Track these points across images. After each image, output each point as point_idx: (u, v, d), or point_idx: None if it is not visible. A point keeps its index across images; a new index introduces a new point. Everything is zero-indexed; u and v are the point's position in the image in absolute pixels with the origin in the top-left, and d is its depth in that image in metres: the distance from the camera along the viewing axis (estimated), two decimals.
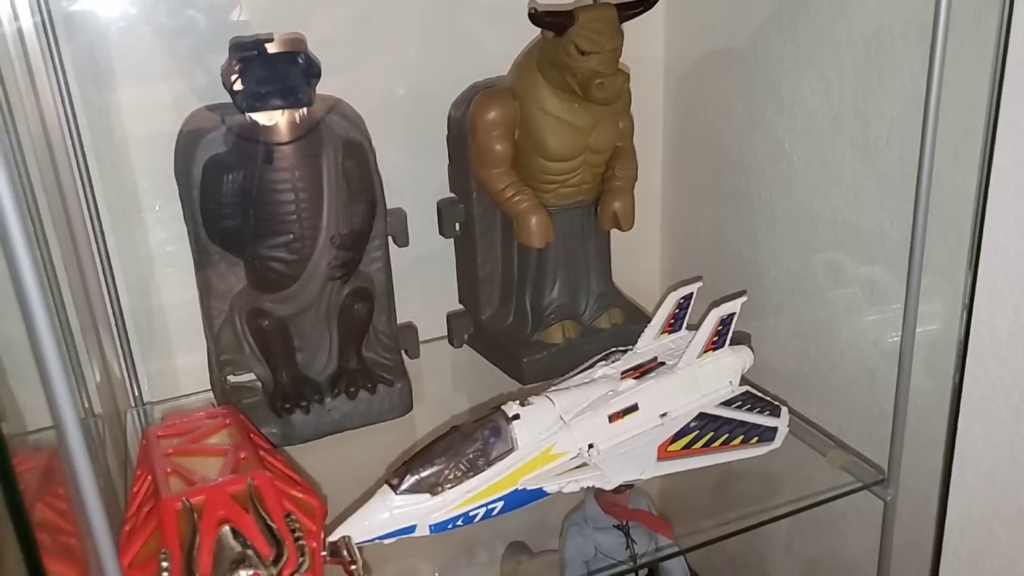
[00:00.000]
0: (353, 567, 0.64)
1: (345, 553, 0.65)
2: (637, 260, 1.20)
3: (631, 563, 1.05)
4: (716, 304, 0.84)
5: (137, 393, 1.02)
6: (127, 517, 0.67)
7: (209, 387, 0.99)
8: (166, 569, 0.57)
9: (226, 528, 0.60)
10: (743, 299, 0.85)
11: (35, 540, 0.43)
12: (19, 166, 0.86)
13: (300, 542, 0.61)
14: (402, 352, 1.01)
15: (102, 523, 0.50)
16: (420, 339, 1.05)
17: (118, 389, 0.99)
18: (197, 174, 0.85)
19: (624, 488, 0.97)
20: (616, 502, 1.01)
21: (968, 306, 0.80)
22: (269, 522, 0.61)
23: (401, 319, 1.01)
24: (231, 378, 0.93)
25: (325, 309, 0.91)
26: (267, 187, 0.82)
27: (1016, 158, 0.76)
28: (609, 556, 1.07)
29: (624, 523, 1.02)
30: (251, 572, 0.57)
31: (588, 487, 0.93)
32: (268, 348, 0.90)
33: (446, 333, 1.11)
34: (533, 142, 0.92)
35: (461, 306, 1.11)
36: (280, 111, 0.79)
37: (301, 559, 0.60)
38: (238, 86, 0.78)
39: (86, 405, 0.98)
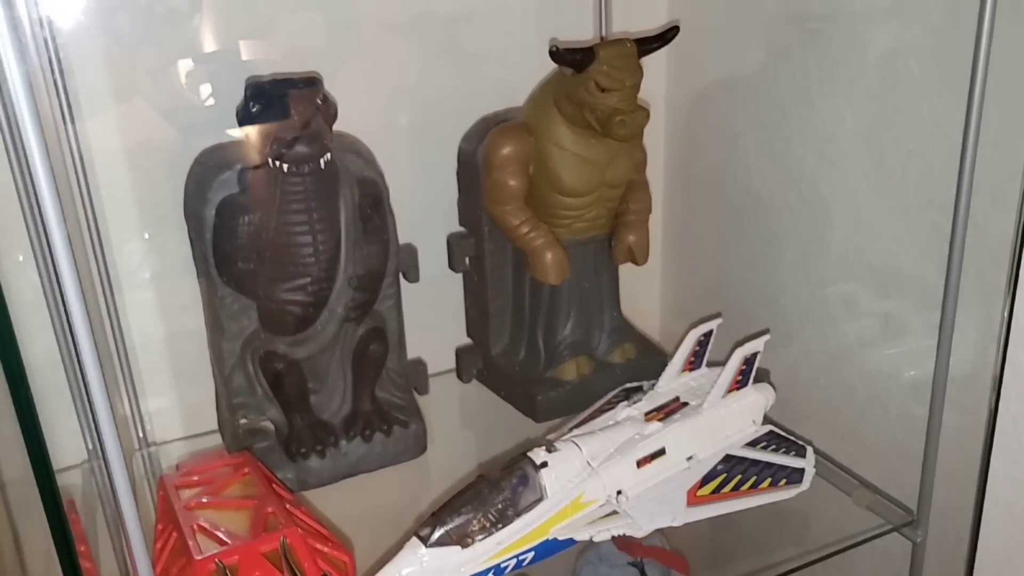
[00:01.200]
0: None
1: None
2: (637, 292, 1.19)
3: None
4: (740, 343, 0.83)
5: (142, 434, 0.99)
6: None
7: (216, 427, 0.97)
8: None
9: None
10: (766, 337, 0.85)
11: None
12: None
13: None
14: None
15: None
16: (429, 373, 1.04)
17: (122, 429, 0.97)
18: (210, 215, 0.83)
19: None
20: (630, 538, 1.00)
21: (1004, 340, 0.79)
22: None
23: (409, 353, 1.00)
24: (243, 422, 0.90)
25: (339, 350, 0.89)
26: (285, 229, 0.81)
27: None
28: None
29: (639, 560, 1.01)
30: None
31: None
32: (282, 391, 0.88)
33: (454, 367, 1.09)
34: (548, 177, 0.91)
35: (470, 340, 1.09)
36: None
37: None
38: (257, 128, 0.76)
39: (90, 447, 0.95)
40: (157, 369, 0.99)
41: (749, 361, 0.84)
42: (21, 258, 0.87)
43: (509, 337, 1.04)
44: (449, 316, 1.09)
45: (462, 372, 1.08)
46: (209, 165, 0.84)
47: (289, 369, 0.87)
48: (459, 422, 1.07)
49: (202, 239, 0.84)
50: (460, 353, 1.08)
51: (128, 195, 0.92)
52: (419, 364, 1.02)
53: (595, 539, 0.75)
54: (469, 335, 1.09)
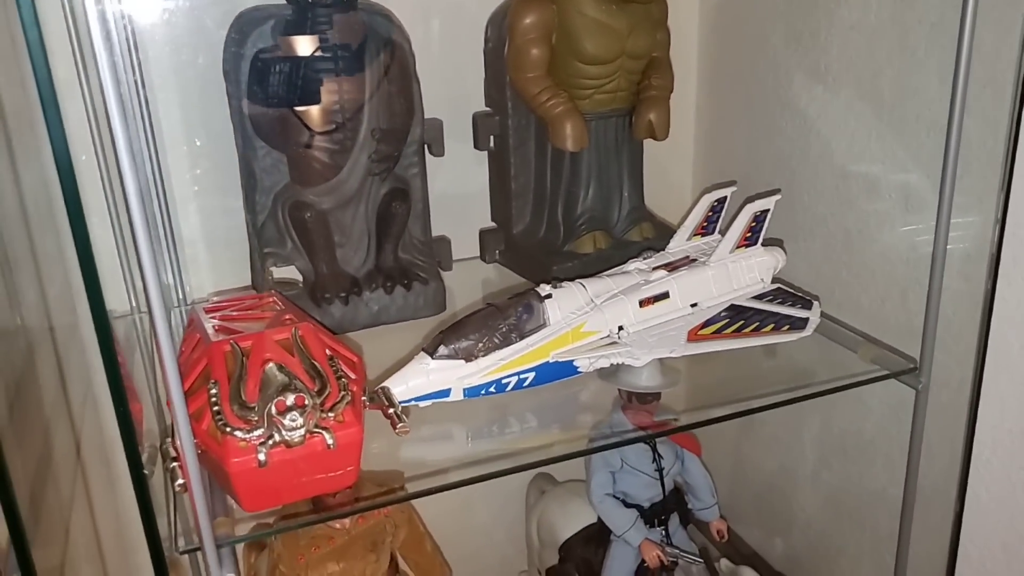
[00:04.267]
0: (391, 410, 0.66)
1: (383, 398, 0.67)
2: (670, 178, 1.21)
3: (656, 472, 1.07)
4: (750, 199, 0.85)
5: (182, 296, 1.05)
6: None
7: (250, 285, 1.02)
8: (215, 395, 0.60)
9: (272, 364, 0.62)
10: (777, 196, 0.86)
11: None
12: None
13: (342, 379, 0.63)
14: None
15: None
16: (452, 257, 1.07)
17: (165, 292, 1.02)
18: (245, 69, 0.87)
19: (651, 398, 0.98)
20: (642, 414, 1.03)
21: (1003, 210, 0.80)
22: (313, 362, 0.64)
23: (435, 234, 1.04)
24: (273, 270, 0.95)
25: (364, 206, 0.93)
26: (313, 77, 0.85)
27: None
28: (635, 468, 1.09)
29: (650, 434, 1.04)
30: (296, 395, 0.59)
31: (615, 391, 0.94)
32: (310, 240, 0.92)
33: (478, 252, 1.13)
34: (570, 45, 0.94)
35: (494, 224, 1.13)
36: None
37: (343, 392, 0.62)
38: None
39: (133, 303, 1.02)
40: (196, 241, 1.05)
41: (759, 218, 0.86)
42: (84, 158, 0.93)
43: (531, 216, 1.07)
44: (474, 204, 1.13)
45: (485, 252, 1.11)
46: (246, 22, 0.89)
47: (316, 218, 0.91)
48: (478, 296, 1.10)
49: (238, 93, 0.89)
50: (483, 234, 1.11)
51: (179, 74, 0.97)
52: (443, 240, 1.06)
53: (594, 366, 0.78)
54: (493, 219, 1.13)
